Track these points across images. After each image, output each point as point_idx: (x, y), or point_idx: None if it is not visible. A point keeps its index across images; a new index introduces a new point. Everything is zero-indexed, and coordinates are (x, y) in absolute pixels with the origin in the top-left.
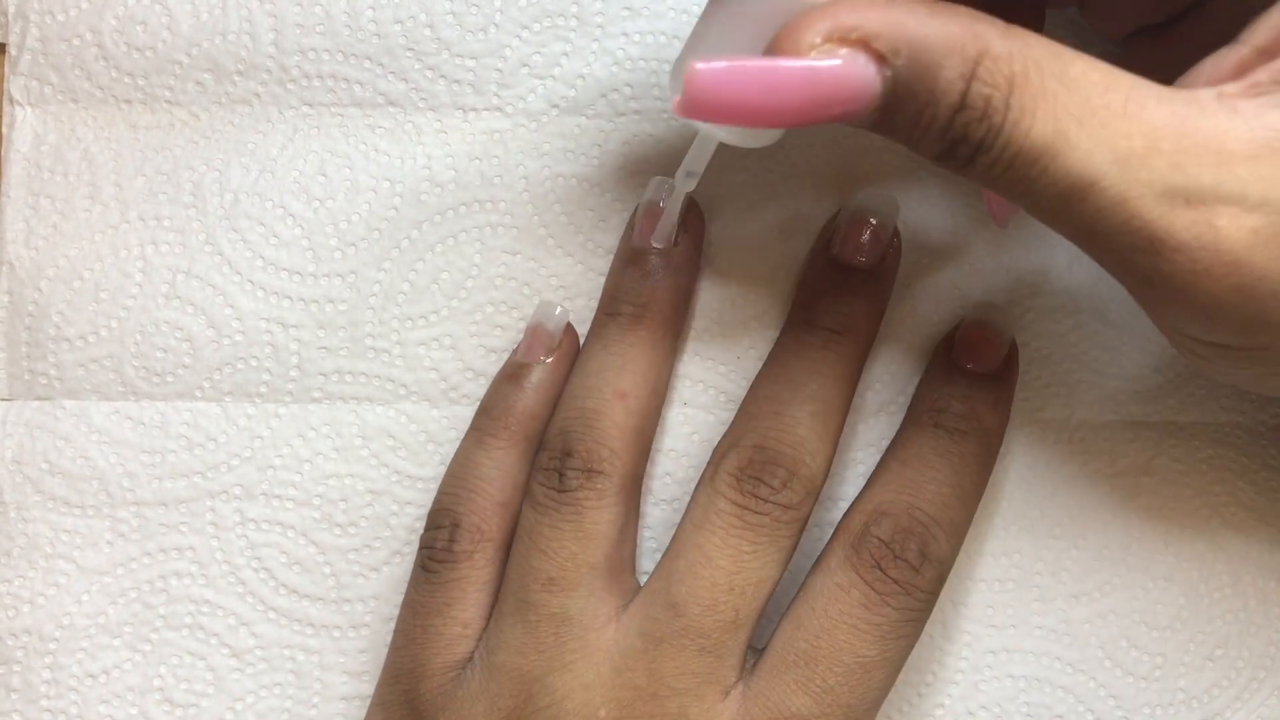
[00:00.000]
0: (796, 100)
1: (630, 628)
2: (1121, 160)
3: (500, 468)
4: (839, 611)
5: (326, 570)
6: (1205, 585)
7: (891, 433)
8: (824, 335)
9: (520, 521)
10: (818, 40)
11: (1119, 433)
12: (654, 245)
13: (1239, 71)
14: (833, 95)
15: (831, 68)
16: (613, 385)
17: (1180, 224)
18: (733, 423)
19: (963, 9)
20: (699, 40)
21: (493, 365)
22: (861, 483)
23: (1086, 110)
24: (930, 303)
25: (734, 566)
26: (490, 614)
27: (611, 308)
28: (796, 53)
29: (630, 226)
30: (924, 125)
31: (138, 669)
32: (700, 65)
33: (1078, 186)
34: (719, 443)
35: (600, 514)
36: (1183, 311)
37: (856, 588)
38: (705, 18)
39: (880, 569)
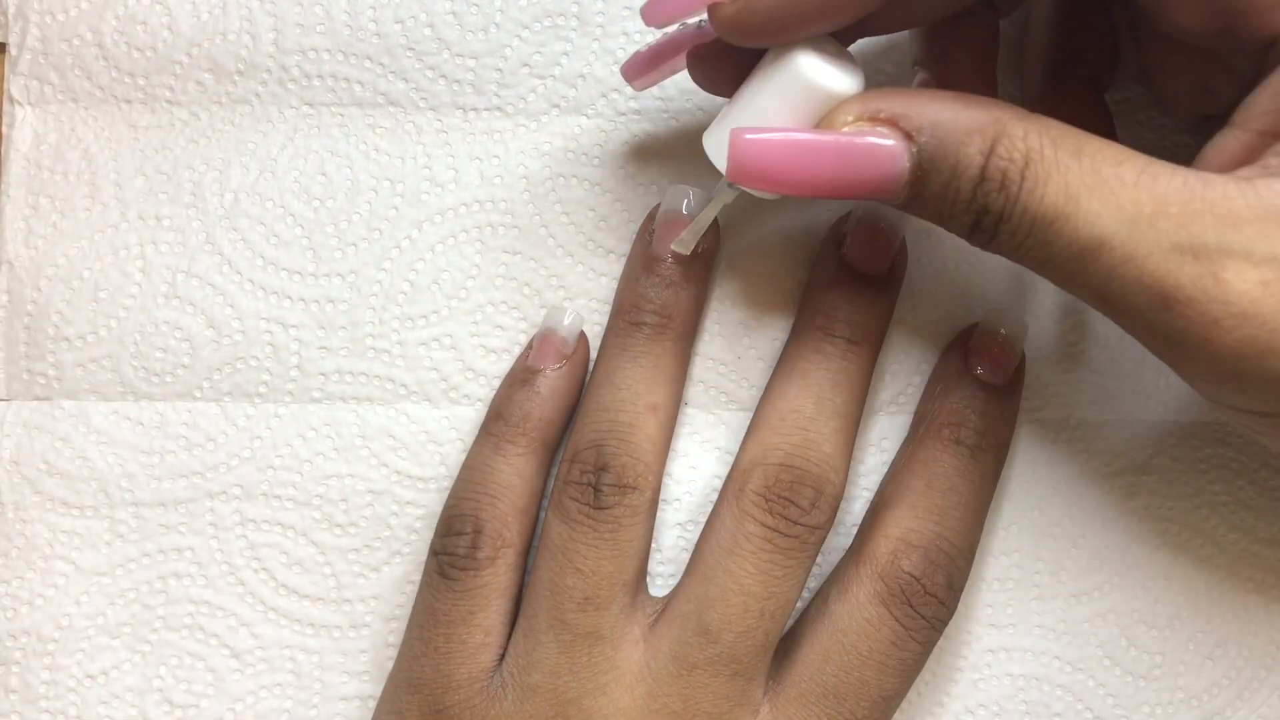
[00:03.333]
0: (829, 170)
1: (660, 650)
2: (1130, 222)
3: (520, 475)
4: (869, 649)
5: (326, 570)
6: (1204, 584)
7: (891, 432)
8: (843, 345)
9: (549, 535)
10: (849, 119)
11: (1118, 432)
12: (676, 253)
13: (1246, 155)
14: (862, 167)
15: (860, 141)
16: (644, 399)
17: (1187, 277)
18: (754, 434)
19: (985, 98)
20: (740, 112)
21: (493, 365)
22: (862, 483)
23: (1097, 180)
24: (930, 302)
25: (765, 592)
26: (510, 623)
27: (635, 316)
28: (831, 129)
29: (646, 232)
30: (949, 199)
31: (137, 670)
32: (745, 134)
33: (1089, 248)
34: (741, 455)
35: (634, 530)
36: (1206, 370)
37: (887, 625)
38: (747, 95)
39: (911, 605)
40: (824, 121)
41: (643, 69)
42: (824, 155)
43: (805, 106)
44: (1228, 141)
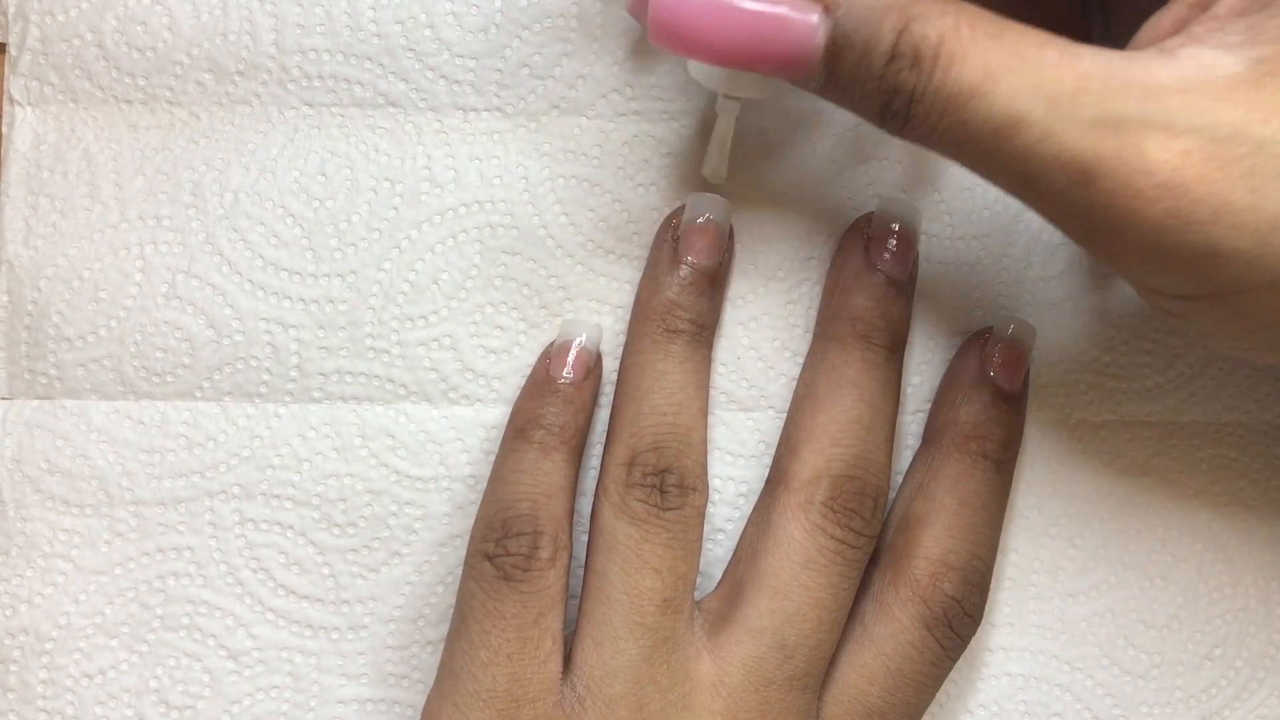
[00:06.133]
0: (743, 36)
1: (732, 665)
2: (1049, 98)
3: (568, 480)
4: (913, 671)
5: (325, 571)
6: (1204, 584)
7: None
8: (885, 354)
9: (615, 538)
10: None
11: (1118, 432)
12: (706, 262)
13: (1177, 27)
14: (777, 35)
15: (776, 10)
16: (697, 403)
17: (1108, 150)
18: (811, 441)
19: None
20: None
21: (493, 366)
22: None
23: (1018, 60)
24: (930, 304)
25: (835, 604)
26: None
27: (673, 324)
28: None
29: (670, 238)
30: (861, 78)
31: (134, 670)
32: None
33: (1007, 124)
34: (800, 465)
35: (699, 531)
36: (1130, 248)
37: (929, 648)
38: None
39: (950, 627)
40: None
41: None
42: (739, 20)
43: None
44: (1161, 18)
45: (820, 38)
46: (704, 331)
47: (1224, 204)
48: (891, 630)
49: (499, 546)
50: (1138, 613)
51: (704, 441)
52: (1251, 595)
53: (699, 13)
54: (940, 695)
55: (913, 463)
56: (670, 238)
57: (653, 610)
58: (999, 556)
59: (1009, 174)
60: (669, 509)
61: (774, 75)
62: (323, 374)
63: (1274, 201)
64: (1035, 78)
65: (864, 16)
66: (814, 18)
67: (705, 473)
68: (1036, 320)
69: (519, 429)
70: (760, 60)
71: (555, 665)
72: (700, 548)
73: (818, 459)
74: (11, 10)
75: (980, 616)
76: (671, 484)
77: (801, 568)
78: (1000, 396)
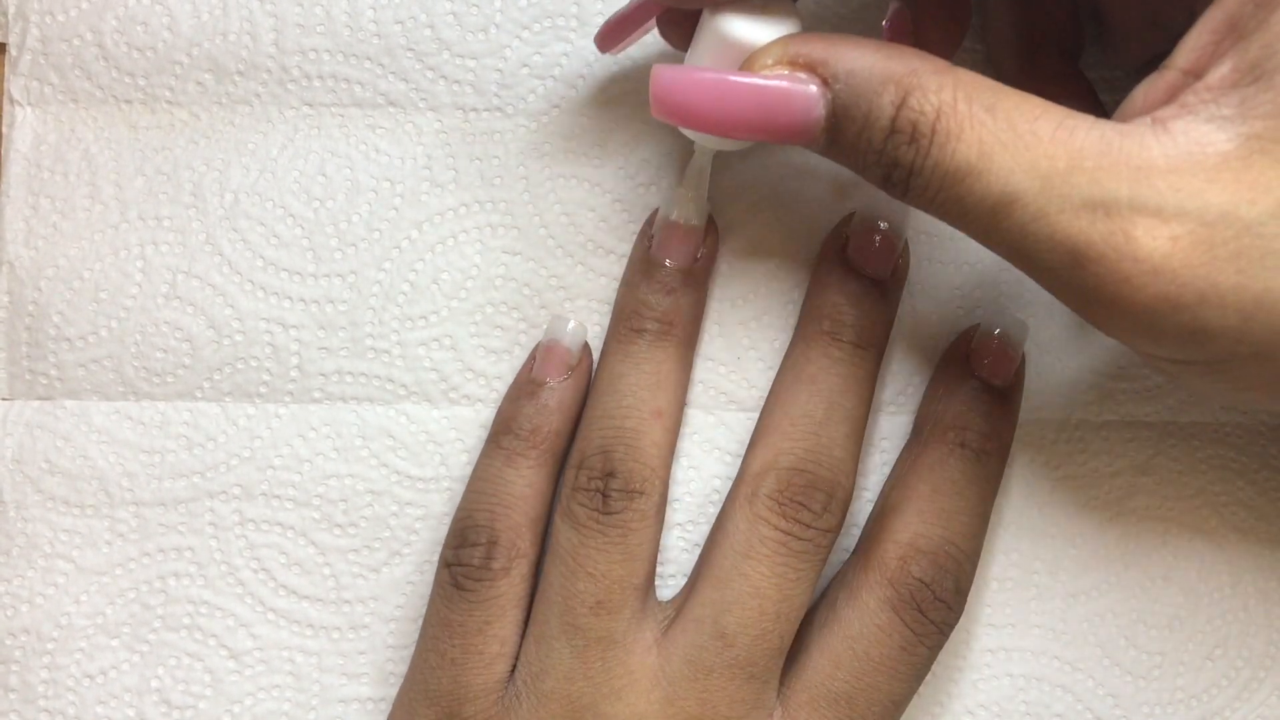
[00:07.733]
0: (746, 111)
1: (675, 655)
2: (1043, 178)
3: (531, 486)
4: (880, 655)
5: (326, 571)
6: (1204, 584)
7: (891, 432)
8: (850, 349)
9: (559, 542)
10: (769, 63)
11: (1118, 432)
12: (677, 261)
13: (1170, 95)
14: (777, 109)
15: (777, 85)
16: (649, 404)
17: (1098, 234)
18: (765, 439)
19: (908, 50)
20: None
21: (493, 366)
22: (862, 483)
23: (1012, 135)
24: (930, 302)
25: (780, 595)
26: (523, 633)
27: (637, 323)
28: (750, 72)
29: (645, 237)
30: (862, 149)
31: (135, 670)
32: (663, 69)
33: (1001, 204)
34: (752, 459)
35: (643, 535)
36: (1125, 326)
37: (897, 631)
38: (686, 55)
39: (920, 610)
40: (745, 64)
41: (615, 37)
42: (740, 96)
43: (726, 60)
44: (1155, 83)
45: (820, 109)
46: (671, 329)
47: (1211, 286)
48: (858, 614)
49: (455, 555)
50: (1138, 613)
51: (659, 444)
52: (1252, 595)
53: (701, 89)
54: (941, 695)
55: (898, 457)
56: (647, 236)
57: (585, 613)
58: (1001, 557)
59: (1005, 249)
60: (609, 513)
61: (776, 143)
62: (323, 374)
63: (1259, 280)
64: (1029, 154)
65: (862, 89)
66: (811, 88)
67: (658, 474)
68: (1037, 320)
69: (492, 435)
70: (762, 132)
71: (502, 666)
72: (649, 548)
73: (767, 453)
74: (11, 10)
75: (957, 604)
76: (615, 488)
77: (742, 557)
78: (983, 389)
